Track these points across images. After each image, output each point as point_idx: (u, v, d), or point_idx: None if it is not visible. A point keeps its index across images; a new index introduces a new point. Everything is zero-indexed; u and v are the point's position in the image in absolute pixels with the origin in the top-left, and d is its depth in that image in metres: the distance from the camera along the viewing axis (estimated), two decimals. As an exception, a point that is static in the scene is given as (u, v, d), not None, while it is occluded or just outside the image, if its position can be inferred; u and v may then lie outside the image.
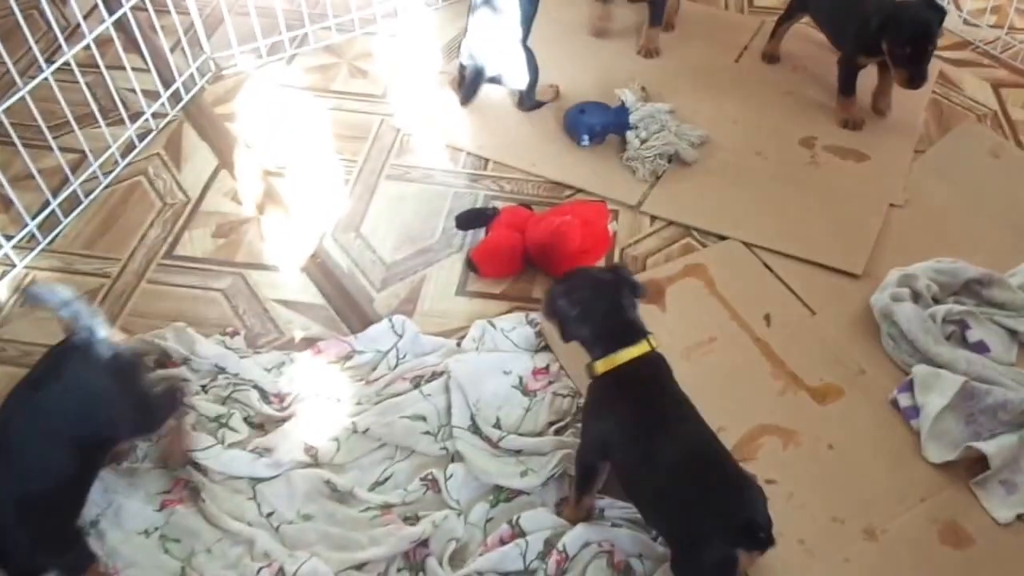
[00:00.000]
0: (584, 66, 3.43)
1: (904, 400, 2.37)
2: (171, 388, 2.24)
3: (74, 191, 2.88)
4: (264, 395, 2.39)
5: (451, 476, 2.20)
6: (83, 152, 2.93)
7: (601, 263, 2.73)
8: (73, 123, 2.87)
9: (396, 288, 2.70)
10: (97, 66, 2.94)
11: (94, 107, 2.94)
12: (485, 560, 2.05)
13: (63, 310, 1.97)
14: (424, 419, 2.31)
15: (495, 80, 3.16)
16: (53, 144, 2.80)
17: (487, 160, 3.10)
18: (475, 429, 2.31)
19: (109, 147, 2.98)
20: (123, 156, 3.04)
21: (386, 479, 2.24)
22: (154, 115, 3.15)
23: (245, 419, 2.34)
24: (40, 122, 2.74)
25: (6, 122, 2.66)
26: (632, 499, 2.07)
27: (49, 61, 2.75)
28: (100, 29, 2.88)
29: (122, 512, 2.13)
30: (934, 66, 3.00)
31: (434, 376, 2.41)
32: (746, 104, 3.30)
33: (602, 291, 2.07)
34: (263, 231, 2.85)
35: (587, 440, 2.09)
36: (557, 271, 2.66)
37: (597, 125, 3.08)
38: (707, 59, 3.51)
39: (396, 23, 3.64)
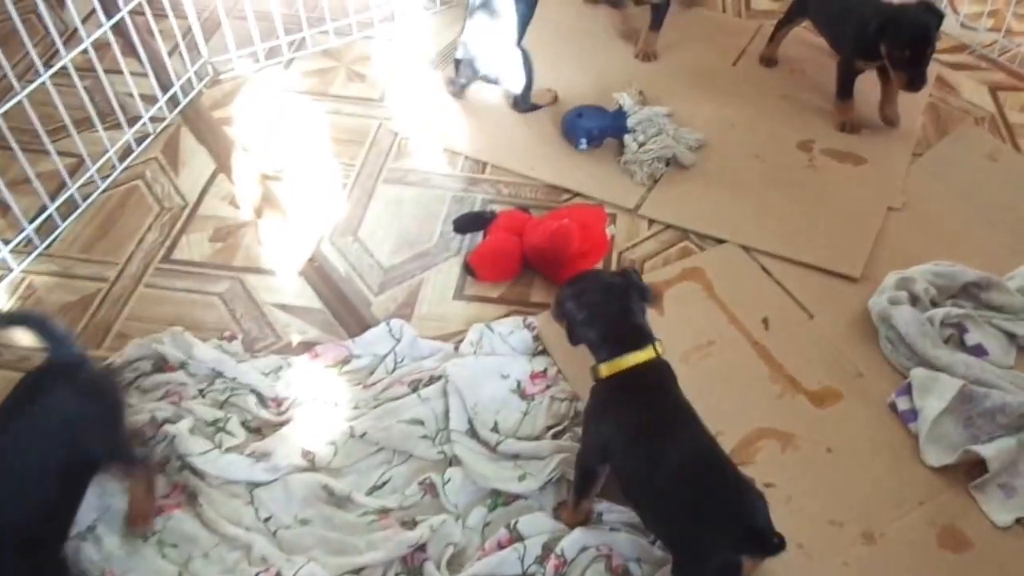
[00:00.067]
0: (581, 70, 3.43)
1: (902, 403, 2.37)
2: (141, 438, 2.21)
3: (72, 195, 2.88)
4: (262, 399, 2.39)
5: (449, 480, 2.20)
6: (81, 156, 2.92)
7: (600, 266, 2.73)
8: (71, 127, 2.86)
9: (394, 292, 2.70)
10: (95, 70, 2.93)
11: (92, 111, 2.94)
12: (483, 565, 2.05)
13: (42, 334, 1.97)
14: (422, 423, 2.31)
15: (490, 80, 3.16)
16: (51, 148, 2.80)
17: (485, 164, 3.09)
18: (473, 433, 2.31)
19: (107, 151, 2.98)
20: (121, 160, 3.04)
21: (384, 483, 2.24)
22: (152, 119, 3.14)
23: (243, 423, 2.34)
24: (38, 126, 2.74)
25: (3, 126, 2.66)
26: (632, 504, 2.07)
27: (47, 65, 2.75)
28: (98, 34, 2.87)
29: (119, 517, 2.13)
30: (932, 69, 3.00)
31: (432, 380, 2.40)
32: (744, 107, 3.30)
33: (611, 295, 2.08)
34: (261, 235, 2.85)
35: (588, 443, 2.09)
36: (555, 275, 2.67)
37: (595, 129, 3.08)
38: (705, 62, 3.51)
39: (394, 27, 3.64)
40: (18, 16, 2.68)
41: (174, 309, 2.63)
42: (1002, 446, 2.22)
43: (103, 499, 2.14)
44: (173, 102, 3.24)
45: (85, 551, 2.06)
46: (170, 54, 3.28)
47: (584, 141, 3.08)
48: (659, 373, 2.02)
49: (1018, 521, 2.16)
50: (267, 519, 2.17)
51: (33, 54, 2.73)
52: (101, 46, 2.92)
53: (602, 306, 2.06)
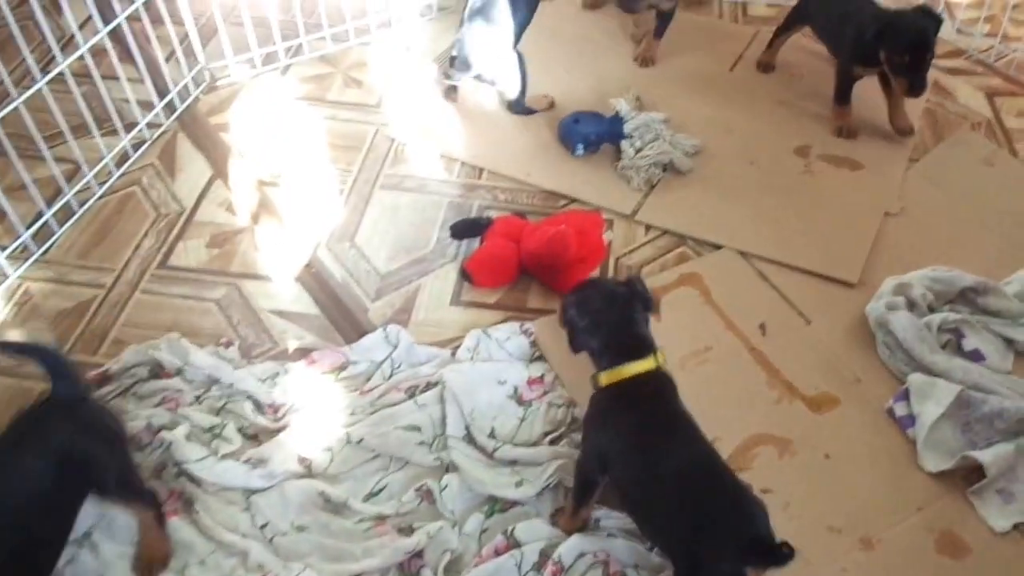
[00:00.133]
0: (578, 75, 3.43)
1: (900, 409, 2.36)
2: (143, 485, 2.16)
3: (68, 201, 2.88)
4: (258, 406, 2.38)
5: (446, 487, 2.19)
6: (77, 162, 2.92)
7: (597, 272, 2.73)
8: (67, 133, 2.86)
9: (390, 298, 2.69)
10: (92, 76, 2.93)
11: (88, 117, 2.93)
12: (480, 572, 2.04)
13: (50, 368, 1.96)
14: (419, 429, 2.31)
15: (485, 80, 3.17)
16: (47, 154, 2.80)
17: (481, 170, 3.09)
18: (470, 439, 2.31)
19: (103, 157, 2.98)
20: (117, 166, 3.04)
21: (380, 490, 2.24)
22: (149, 125, 3.15)
23: (239, 430, 2.33)
24: (34, 132, 2.73)
25: (0, 133, 2.66)
26: (631, 514, 2.06)
27: (44, 71, 2.75)
28: (95, 40, 2.88)
29: (115, 524, 2.12)
30: (929, 75, 3.00)
31: (429, 386, 2.40)
32: (741, 113, 3.30)
33: (614, 303, 2.08)
34: (257, 241, 2.85)
35: (587, 452, 2.08)
36: (552, 281, 2.67)
37: (592, 134, 3.08)
38: (702, 68, 3.51)
39: (391, 33, 3.64)
40: (15, 22, 2.67)
41: (171, 315, 2.63)
42: (1000, 451, 2.22)
43: (100, 507, 2.13)
44: (170, 108, 3.24)
45: (82, 558, 2.06)
46: (167, 60, 3.28)
47: (581, 147, 3.08)
48: (659, 384, 2.02)
49: (1016, 527, 2.16)
50: (263, 526, 2.16)
51: (30, 60, 2.72)
52: (98, 52, 2.92)
53: (604, 314, 2.06)
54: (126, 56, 3.09)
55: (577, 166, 3.08)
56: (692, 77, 3.46)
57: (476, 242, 2.82)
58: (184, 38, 3.30)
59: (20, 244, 2.76)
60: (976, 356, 2.46)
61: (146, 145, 3.14)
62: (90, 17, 2.89)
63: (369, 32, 3.60)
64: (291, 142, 3.19)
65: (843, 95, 3.18)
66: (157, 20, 3.16)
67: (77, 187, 2.90)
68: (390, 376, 2.46)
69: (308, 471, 2.25)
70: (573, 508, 2.11)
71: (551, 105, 3.27)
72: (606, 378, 2.02)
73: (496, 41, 3.08)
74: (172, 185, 3.02)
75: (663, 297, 2.64)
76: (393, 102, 3.34)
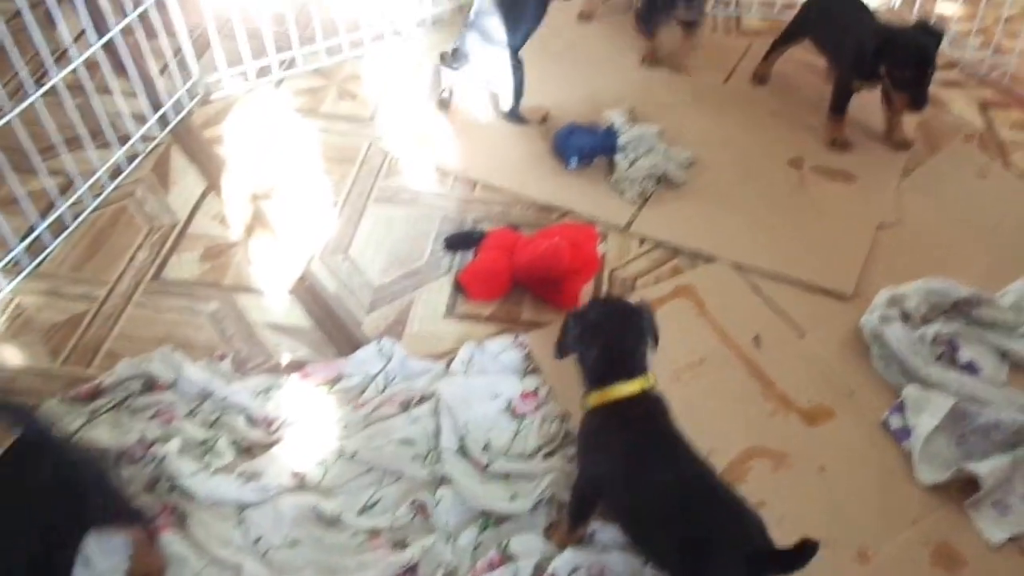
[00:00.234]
0: (573, 88, 3.43)
1: (895, 421, 2.36)
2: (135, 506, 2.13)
3: (61, 215, 2.87)
4: (252, 420, 2.38)
5: (440, 500, 2.19)
6: (70, 176, 2.92)
7: (591, 284, 2.73)
8: (61, 146, 2.85)
9: (384, 311, 2.69)
10: (85, 89, 2.93)
11: (82, 130, 2.93)
12: (474, 586, 2.04)
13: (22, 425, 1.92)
14: (412, 443, 2.30)
15: (482, 82, 3.18)
16: (41, 168, 2.79)
17: (475, 182, 3.09)
18: (464, 453, 2.30)
19: (97, 170, 2.97)
20: (111, 179, 3.03)
21: (374, 504, 2.23)
22: (142, 138, 3.14)
23: (233, 443, 2.32)
24: (28, 146, 2.73)
25: (-7, 145, 2.66)
26: (627, 533, 2.04)
27: (37, 84, 2.74)
28: (89, 52, 2.87)
29: (109, 540, 2.10)
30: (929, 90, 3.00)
31: (422, 400, 2.40)
32: (734, 125, 3.30)
33: (612, 322, 2.08)
34: (251, 254, 2.84)
35: (582, 474, 2.08)
36: (546, 294, 2.67)
37: (585, 147, 3.08)
38: (696, 81, 3.52)
39: (384, 46, 3.64)
40: (8, 35, 2.67)
41: (164, 329, 2.62)
42: (996, 464, 2.22)
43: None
44: (163, 121, 3.23)
45: (75, 574, 2.04)
46: (161, 73, 3.28)
47: (575, 159, 3.08)
48: (649, 406, 2.01)
49: (1012, 539, 2.16)
50: (257, 540, 2.15)
51: (23, 73, 2.72)
52: (92, 65, 2.92)
53: (599, 331, 2.06)
54: (120, 69, 3.09)
55: (571, 179, 3.08)
56: (686, 89, 3.46)
57: (470, 255, 2.82)
58: (178, 51, 3.29)
59: (13, 258, 2.75)
60: (971, 368, 2.46)
61: (140, 158, 3.13)
62: (84, 30, 2.89)
63: (363, 45, 3.60)
64: (285, 155, 3.19)
65: (839, 107, 3.18)
66: (151, 33, 3.16)
67: (70, 200, 2.90)
68: (384, 389, 2.45)
69: (301, 485, 2.24)
70: (569, 526, 2.11)
71: (545, 118, 3.27)
72: (593, 400, 2.02)
73: (498, 42, 3.09)
74: (165, 198, 3.01)
75: (657, 310, 2.63)
76: (387, 115, 3.34)
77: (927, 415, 2.31)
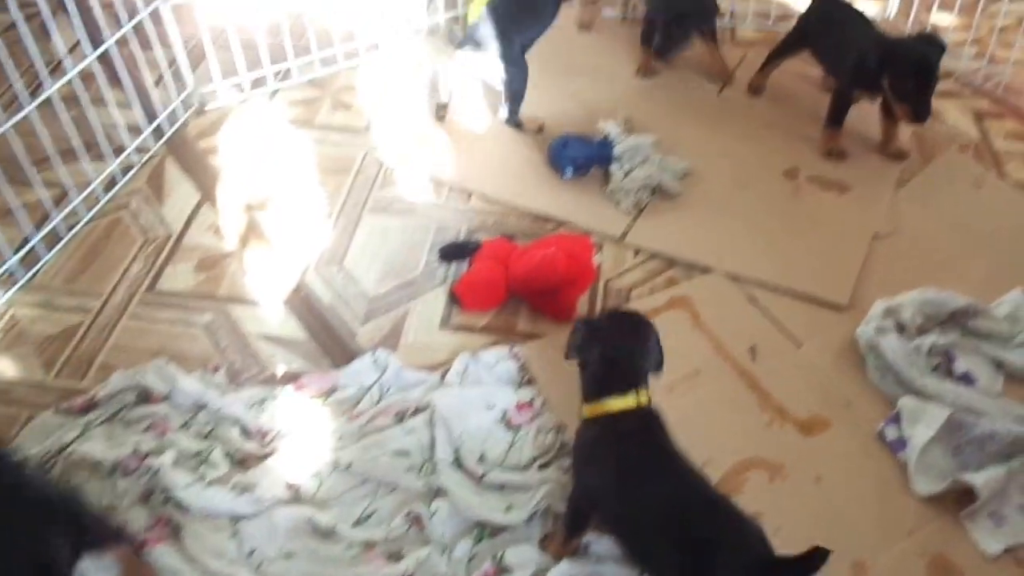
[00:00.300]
0: (568, 98, 3.43)
1: (891, 432, 2.36)
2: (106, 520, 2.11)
3: (56, 226, 2.86)
4: (246, 431, 2.37)
5: (435, 512, 2.18)
6: (65, 187, 2.91)
7: (586, 295, 2.73)
8: (55, 158, 2.85)
9: (379, 322, 2.68)
10: (80, 101, 2.92)
11: (76, 142, 2.92)
12: (470, 597, 2.04)
13: None
14: (407, 454, 2.30)
15: (483, 69, 3.18)
16: (35, 179, 2.78)
17: (470, 193, 3.09)
18: (459, 464, 2.29)
19: (91, 182, 2.97)
20: (105, 191, 3.03)
21: (369, 515, 2.22)
22: (137, 150, 3.14)
23: (227, 455, 2.31)
24: (22, 157, 2.72)
25: (-12, 157, 2.66)
26: (623, 546, 2.03)
27: (32, 96, 2.74)
28: (83, 64, 2.87)
29: (98, 559, 2.10)
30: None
31: (417, 411, 2.39)
32: (729, 136, 3.30)
33: (617, 334, 2.08)
34: (246, 265, 2.84)
35: (577, 486, 2.08)
36: (541, 305, 2.67)
37: (580, 158, 3.08)
38: (691, 91, 3.52)
39: (379, 56, 3.64)
40: (3, 46, 2.66)
41: (158, 340, 2.62)
42: (991, 475, 2.21)
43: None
44: (158, 132, 3.23)
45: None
46: (155, 84, 3.28)
47: (570, 170, 3.08)
48: (644, 421, 2.01)
49: (1007, 550, 2.15)
50: (251, 552, 2.14)
51: (18, 85, 2.72)
52: (86, 77, 2.92)
53: (604, 342, 2.06)
54: (115, 80, 3.09)
55: (566, 189, 3.08)
56: (681, 100, 3.47)
57: (465, 265, 2.81)
58: (173, 62, 3.30)
59: (7, 269, 2.74)
60: (967, 379, 2.45)
61: (134, 170, 3.13)
62: (79, 42, 2.88)
63: (358, 55, 3.60)
64: (279, 166, 3.19)
65: (837, 118, 3.18)
66: (146, 44, 3.16)
67: (64, 212, 2.89)
68: (379, 400, 2.45)
69: (296, 497, 2.24)
70: (564, 537, 2.10)
71: (541, 128, 3.28)
72: (588, 411, 2.02)
73: (508, 36, 3.11)
74: (160, 209, 3.01)
75: (652, 320, 2.63)
76: (382, 125, 3.34)
77: (923, 426, 2.30)
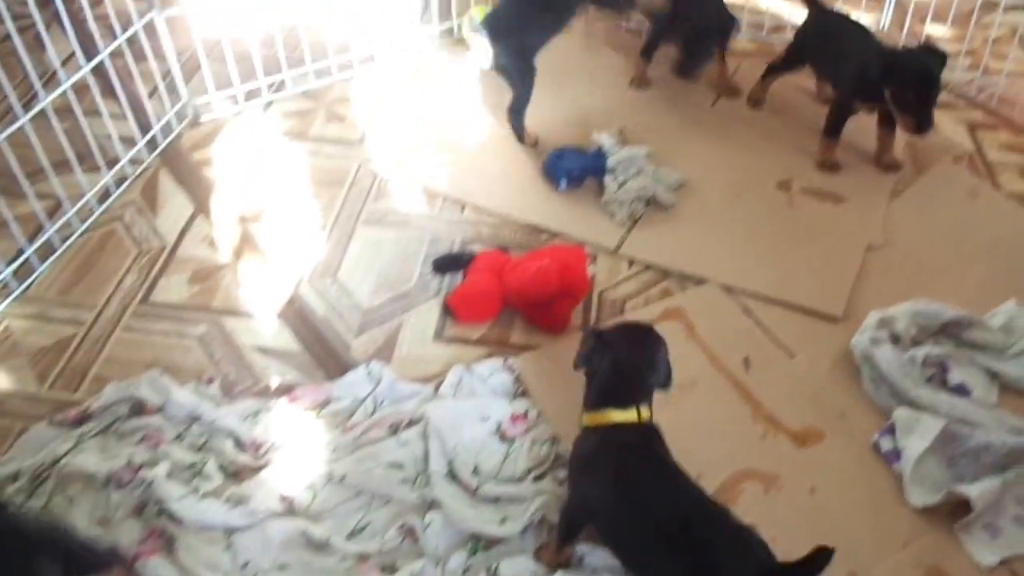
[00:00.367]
0: (562, 110, 3.44)
1: (886, 444, 2.36)
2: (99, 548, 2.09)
3: (49, 238, 2.86)
4: (240, 443, 2.36)
5: (429, 524, 2.18)
6: (59, 199, 2.91)
7: (580, 307, 2.72)
8: (49, 170, 2.85)
9: (373, 334, 2.68)
10: (74, 113, 2.92)
11: (70, 154, 2.92)
12: (464, 610, 2.03)
13: None
14: (401, 467, 2.29)
15: (499, 71, 3.18)
16: (29, 191, 2.78)
17: (464, 204, 3.09)
18: (453, 476, 2.29)
19: (85, 194, 2.96)
20: (99, 203, 3.02)
21: (363, 528, 2.22)
22: (131, 161, 3.13)
23: (220, 467, 2.31)
24: (16, 169, 2.72)
25: (-18, 169, 2.65)
26: (620, 559, 2.03)
27: (26, 108, 2.73)
28: (78, 76, 2.87)
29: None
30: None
31: (411, 423, 2.38)
32: (723, 147, 3.31)
33: (625, 346, 2.08)
34: (239, 277, 2.83)
35: (572, 496, 2.08)
36: (535, 316, 2.66)
37: (574, 169, 3.09)
38: (684, 103, 3.52)
39: (374, 68, 3.64)
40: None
41: (152, 352, 2.61)
42: (986, 486, 2.21)
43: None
44: (152, 144, 3.23)
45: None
46: (150, 96, 3.28)
47: (564, 181, 3.08)
48: (643, 435, 2.01)
49: (1002, 562, 2.15)
50: (245, 565, 2.14)
51: (12, 97, 2.72)
52: (80, 88, 2.92)
53: (611, 353, 2.06)
54: (109, 92, 3.09)
55: (560, 200, 3.08)
56: (675, 111, 3.47)
57: (459, 277, 2.81)
58: (167, 74, 3.29)
59: (1, 281, 2.74)
60: (961, 390, 2.45)
61: (128, 181, 3.13)
62: (73, 53, 2.89)
63: (352, 67, 3.60)
64: (273, 178, 3.18)
65: (835, 129, 3.18)
66: (140, 56, 3.16)
67: (58, 224, 2.89)
68: (373, 413, 2.44)
69: (290, 509, 2.23)
70: (557, 545, 2.10)
71: (535, 142, 3.28)
72: (588, 419, 2.02)
73: (520, 36, 3.12)
74: (154, 221, 3.01)
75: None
76: (376, 137, 3.34)
77: (917, 437, 2.30)
